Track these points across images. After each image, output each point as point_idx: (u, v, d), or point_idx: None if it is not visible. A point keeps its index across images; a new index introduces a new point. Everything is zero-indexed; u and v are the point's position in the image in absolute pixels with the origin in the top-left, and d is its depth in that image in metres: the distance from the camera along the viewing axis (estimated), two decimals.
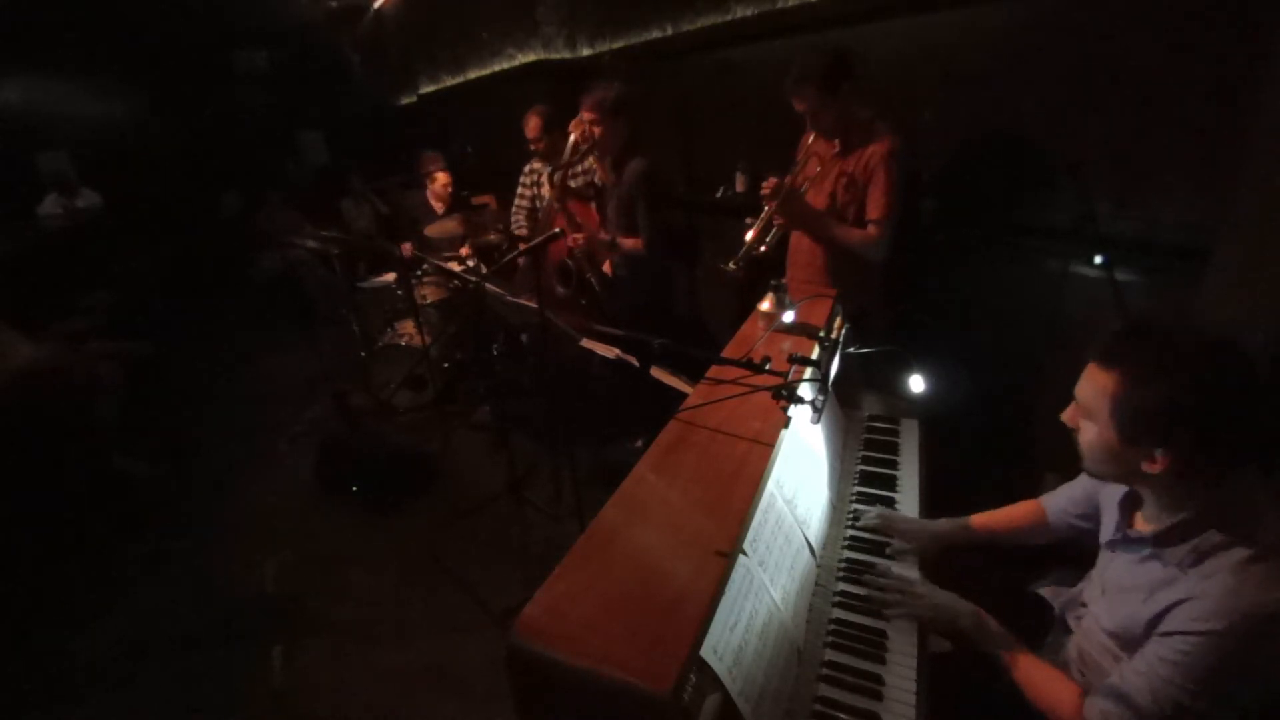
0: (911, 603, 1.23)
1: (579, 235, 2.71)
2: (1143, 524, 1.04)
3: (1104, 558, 1.15)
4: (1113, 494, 1.13)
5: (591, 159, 2.86)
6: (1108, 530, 1.13)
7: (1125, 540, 1.06)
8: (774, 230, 2.09)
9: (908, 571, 1.33)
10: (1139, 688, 0.93)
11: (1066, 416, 1.04)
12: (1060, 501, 1.33)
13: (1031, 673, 1.09)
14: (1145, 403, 0.89)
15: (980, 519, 1.43)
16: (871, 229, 2.02)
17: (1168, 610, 0.93)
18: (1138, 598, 0.99)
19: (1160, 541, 0.97)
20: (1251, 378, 0.86)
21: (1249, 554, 0.88)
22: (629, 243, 2.65)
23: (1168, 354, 0.88)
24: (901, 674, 1.11)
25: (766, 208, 2.05)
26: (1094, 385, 0.96)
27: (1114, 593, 1.07)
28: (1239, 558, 0.88)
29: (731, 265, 2.03)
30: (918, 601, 1.23)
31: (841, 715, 1.04)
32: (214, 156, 6.54)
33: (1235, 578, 0.87)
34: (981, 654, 1.16)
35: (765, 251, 2.09)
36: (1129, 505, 1.09)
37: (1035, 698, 1.07)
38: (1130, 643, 1.00)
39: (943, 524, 1.43)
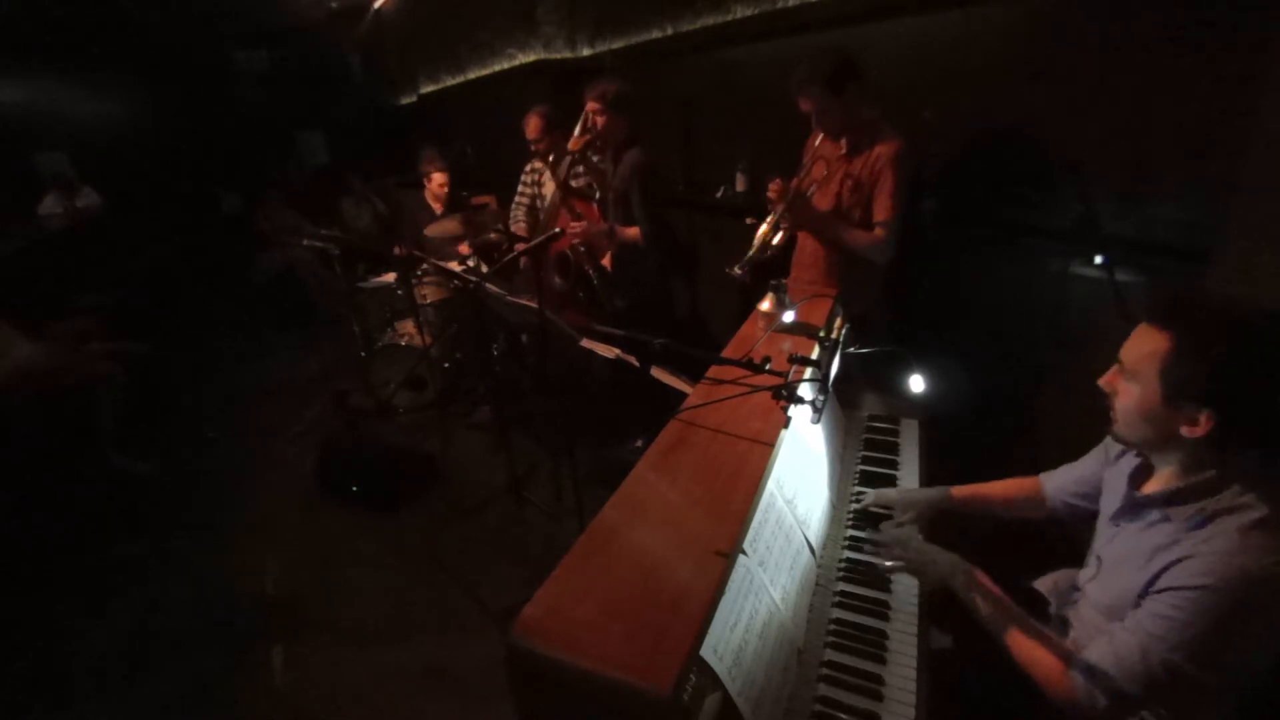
0: (905, 554, 1.24)
1: (579, 224, 2.72)
2: (1154, 488, 1.04)
3: (1105, 534, 1.15)
4: (1121, 470, 1.13)
5: (593, 158, 2.87)
6: (1111, 504, 1.13)
7: (1132, 506, 1.06)
8: (780, 234, 2.09)
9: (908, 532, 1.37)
10: (1129, 648, 0.93)
11: (1104, 381, 1.04)
12: (1060, 479, 1.34)
13: (1021, 637, 1.08)
14: (1200, 363, 0.89)
15: (973, 489, 1.45)
16: (879, 231, 2.02)
17: (1164, 570, 0.93)
18: (1136, 565, 0.99)
19: (1171, 500, 0.97)
20: None
21: (1254, 519, 0.88)
22: (627, 232, 2.66)
23: (1226, 318, 0.89)
24: (901, 674, 1.11)
25: (773, 212, 2.05)
26: (1144, 345, 0.95)
27: (1112, 566, 1.07)
28: (1243, 522, 0.88)
29: (737, 271, 2.03)
30: (911, 552, 1.24)
31: (841, 715, 1.05)
32: (214, 156, 6.54)
33: (1236, 540, 0.87)
34: (981, 652, 1.16)
35: (770, 254, 2.09)
36: (1139, 476, 1.09)
37: (1023, 663, 1.06)
38: (1122, 615, 1.00)
39: (932, 491, 1.46)
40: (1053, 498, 1.34)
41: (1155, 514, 1.01)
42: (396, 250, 3.67)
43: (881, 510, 1.48)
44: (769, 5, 2.70)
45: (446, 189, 3.93)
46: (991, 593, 1.14)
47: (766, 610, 1.02)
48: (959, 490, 1.46)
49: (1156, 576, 0.94)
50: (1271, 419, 0.89)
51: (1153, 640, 0.90)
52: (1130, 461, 1.12)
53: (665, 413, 1.32)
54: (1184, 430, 0.92)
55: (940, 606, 1.25)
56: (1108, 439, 1.23)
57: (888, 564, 1.26)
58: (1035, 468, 1.43)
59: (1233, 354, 0.87)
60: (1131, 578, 0.99)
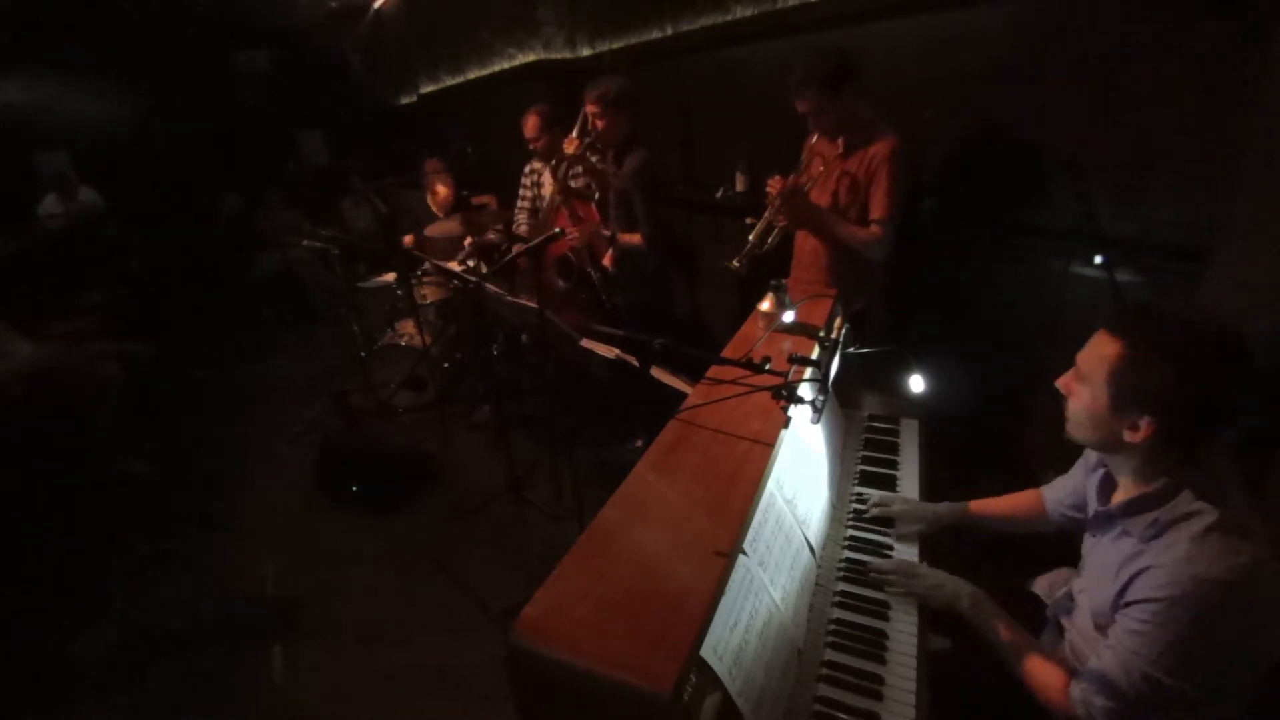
0: (910, 581, 1.24)
1: (577, 228, 2.72)
2: (1117, 499, 1.06)
3: (1087, 545, 1.16)
4: (1094, 481, 1.15)
5: (592, 159, 2.86)
6: (1089, 514, 1.15)
7: (1098, 519, 1.08)
8: (776, 229, 2.09)
9: (908, 553, 1.36)
10: (1112, 665, 0.94)
11: (1061, 382, 1.07)
12: (1057, 492, 1.35)
13: (1027, 658, 1.09)
14: (1144, 372, 0.91)
15: (980, 504, 1.45)
16: (875, 228, 2.02)
17: (1129, 583, 0.95)
18: (1109, 577, 1.00)
19: (1126, 511, 1.00)
20: (1249, 369, 0.88)
21: (1206, 525, 0.89)
22: (628, 237, 2.66)
23: (1177, 331, 0.90)
24: (901, 674, 1.11)
25: (770, 207, 2.05)
26: (1097, 351, 0.98)
27: (1092, 578, 1.09)
28: (1198, 528, 0.90)
29: (735, 264, 2.03)
30: (916, 579, 1.24)
31: (841, 715, 1.04)
32: (214, 156, 6.54)
33: (1193, 547, 0.89)
34: (981, 653, 1.16)
35: (768, 250, 2.09)
36: (1106, 489, 1.11)
37: (1030, 683, 1.08)
38: (1106, 626, 1.01)
39: (942, 507, 1.45)
40: (1053, 511, 1.35)
41: (1118, 527, 1.03)
42: (407, 240, 3.67)
43: (881, 536, 1.45)
44: (769, 5, 2.70)
45: (451, 199, 3.93)
46: (998, 614, 1.15)
47: (766, 610, 1.02)
48: (977, 505, 1.45)
49: (1124, 589, 0.96)
50: (1212, 423, 0.91)
51: (1130, 656, 0.91)
52: (1100, 473, 1.13)
53: (665, 413, 1.32)
54: (1126, 435, 0.95)
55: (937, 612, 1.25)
56: (1086, 452, 1.25)
57: (892, 590, 1.25)
58: (1034, 468, 1.43)
59: (1176, 366, 0.89)
60: (1105, 590, 1.00)
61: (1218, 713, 0.92)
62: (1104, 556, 1.05)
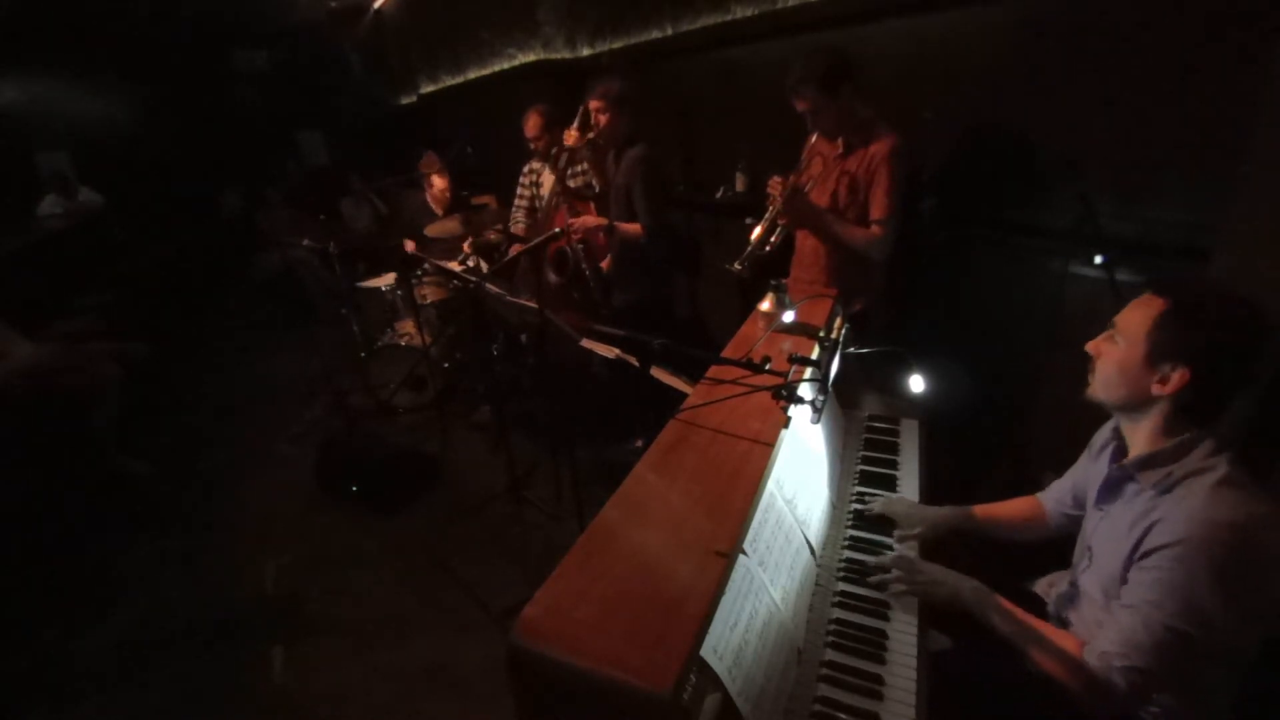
0: (911, 576, 1.24)
1: (578, 220, 2.71)
2: (1130, 457, 1.09)
3: (1091, 522, 1.18)
4: (1103, 460, 1.18)
5: (586, 162, 2.86)
6: (1094, 494, 1.17)
7: (1112, 482, 1.11)
8: (778, 230, 2.09)
9: (909, 552, 1.36)
10: (1132, 625, 0.95)
11: (1091, 345, 1.11)
12: (1054, 494, 1.36)
13: (1037, 638, 1.08)
14: (1185, 324, 0.96)
15: (982, 509, 1.46)
16: (875, 228, 2.02)
17: (1144, 536, 0.98)
18: (1120, 539, 1.02)
19: (1143, 465, 1.03)
20: (1273, 334, 0.93)
21: (1221, 477, 0.93)
22: (627, 228, 2.65)
23: (1218, 293, 0.99)
24: (901, 674, 1.11)
25: (771, 207, 2.05)
26: (1140, 308, 1.03)
27: (1101, 549, 1.10)
28: (1213, 480, 0.94)
29: (737, 266, 2.03)
30: (918, 574, 1.24)
31: (841, 715, 1.04)
32: (214, 156, 6.54)
33: (1206, 496, 0.93)
34: (981, 652, 1.16)
35: (770, 251, 2.09)
36: (1118, 454, 1.14)
37: (1042, 664, 1.06)
38: (1117, 594, 1.02)
39: (944, 511, 1.45)
40: (1053, 514, 1.36)
41: (1132, 486, 1.06)
42: (408, 245, 3.67)
43: (882, 537, 1.44)
44: (769, 5, 2.70)
45: (448, 193, 3.93)
46: (1003, 606, 1.14)
47: (766, 610, 1.02)
48: (979, 510, 1.46)
49: (1138, 544, 0.98)
50: (1238, 382, 0.96)
51: (1149, 608, 0.93)
52: (1111, 447, 1.17)
53: (665, 413, 1.32)
54: (1155, 388, 0.99)
55: (940, 607, 1.25)
56: (1091, 442, 1.27)
57: (893, 588, 1.25)
58: (1034, 468, 1.43)
59: (1216, 320, 0.94)
60: (1117, 555, 1.02)
61: (1229, 667, 0.94)
62: (1115, 522, 1.07)
